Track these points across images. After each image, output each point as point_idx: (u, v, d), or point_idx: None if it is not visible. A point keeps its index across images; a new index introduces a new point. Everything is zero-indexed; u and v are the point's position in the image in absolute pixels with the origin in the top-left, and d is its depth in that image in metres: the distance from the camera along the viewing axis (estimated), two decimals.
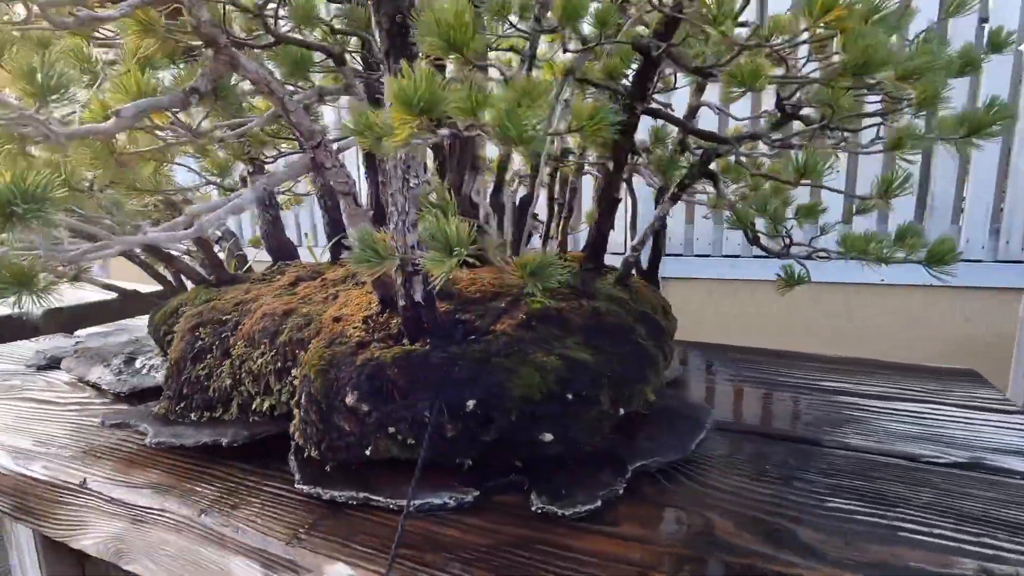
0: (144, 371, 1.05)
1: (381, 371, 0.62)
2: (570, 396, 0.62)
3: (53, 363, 1.22)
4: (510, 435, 0.62)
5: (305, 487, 0.64)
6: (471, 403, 0.60)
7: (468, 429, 0.61)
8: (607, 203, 0.73)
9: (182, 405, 0.82)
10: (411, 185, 0.60)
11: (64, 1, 0.47)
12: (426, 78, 0.41)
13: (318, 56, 0.75)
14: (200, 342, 0.83)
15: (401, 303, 0.65)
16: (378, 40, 0.58)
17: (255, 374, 0.78)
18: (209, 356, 0.82)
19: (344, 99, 0.83)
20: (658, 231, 0.96)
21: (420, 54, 0.57)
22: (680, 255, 2.29)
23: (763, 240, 0.78)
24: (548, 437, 0.62)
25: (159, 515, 0.67)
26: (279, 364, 0.76)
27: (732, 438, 0.79)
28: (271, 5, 0.67)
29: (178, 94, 0.52)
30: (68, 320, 1.65)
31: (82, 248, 0.49)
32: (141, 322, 1.63)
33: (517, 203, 0.91)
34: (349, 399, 0.61)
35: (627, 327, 0.73)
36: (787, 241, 0.77)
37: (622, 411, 0.67)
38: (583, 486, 0.62)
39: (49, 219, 0.41)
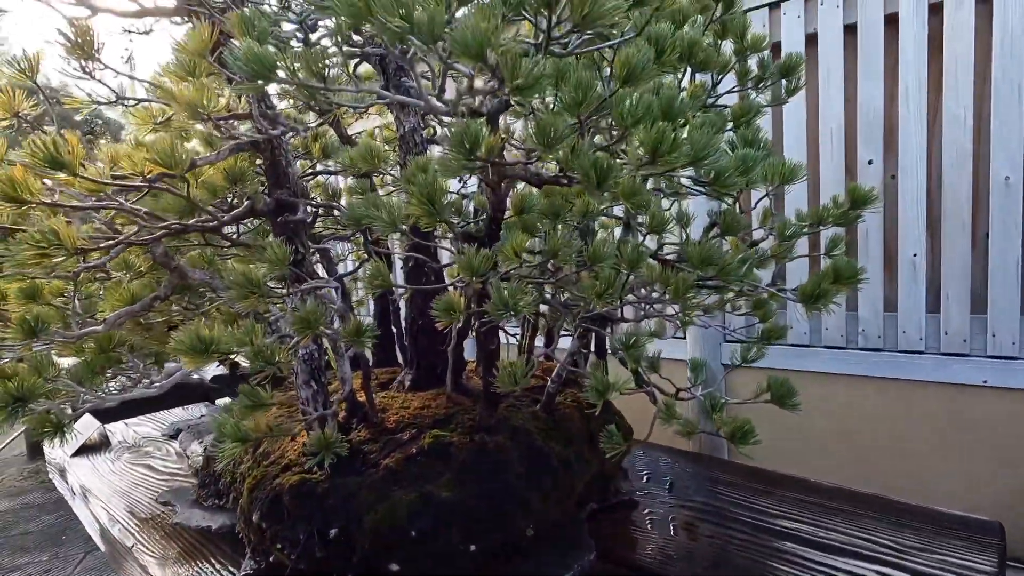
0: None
1: (280, 496, 0.80)
2: (414, 532, 0.74)
3: (176, 433, 1.64)
4: (366, 561, 0.75)
5: (235, 570, 0.84)
6: (333, 531, 0.75)
7: (334, 552, 0.76)
8: (486, 358, 0.84)
9: (205, 492, 1.08)
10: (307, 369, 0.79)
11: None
12: None
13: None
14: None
15: (307, 441, 0.83)
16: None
17: (242, 475, 1.01)
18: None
19: None
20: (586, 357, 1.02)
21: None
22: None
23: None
24: (395, 567, 0.74)
25: None
26: (255, 471, 0.98)
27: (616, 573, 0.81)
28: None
29: (146, 301, 0.78)
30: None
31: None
32: None
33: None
34: (255, 517, 0.80)
35: (503, 464, 0.82)
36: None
37: (473, 547, 0.76)
38: None
39: None
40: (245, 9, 0.52)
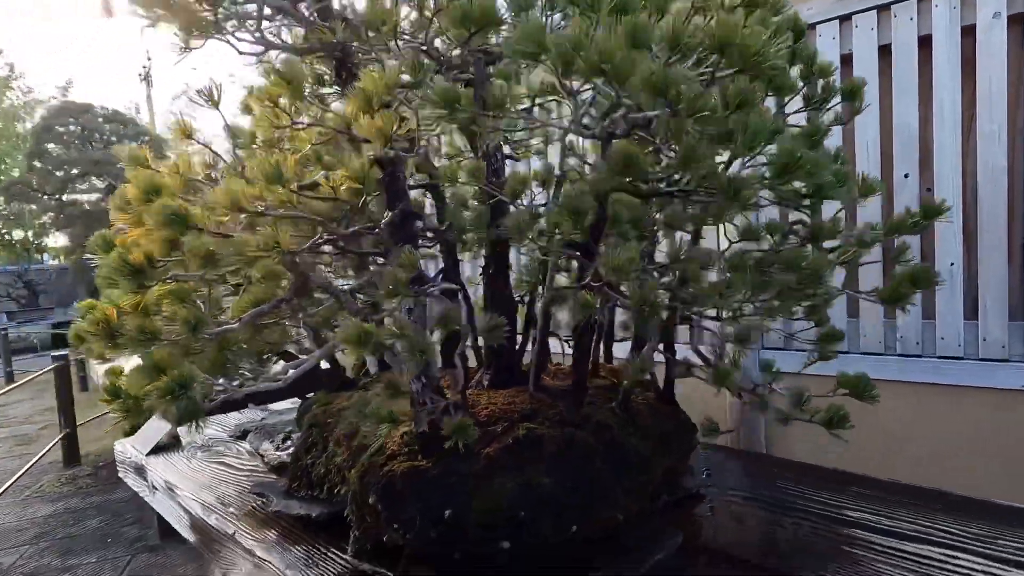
0: (289, 449, 1.45)
1: (393, 482, 0.87)
2: (522, 513, 0.81)
3: (243, 434, 1.72)
4: (477, 540, 0.82)
5: (351, 558, 0.91)
6: (447, 512, 0.82)
7: (447, 532, 0.83)
8: (581, 355, 0.91)
9: (296, 484, 1.16)
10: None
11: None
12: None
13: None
14: (311, 438, 1.18)
15: (419, 430, 0.91)
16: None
17: (337, 467, 1.09)
18: (315, 449, 1.16)
19: None
20: (670, 358, 1.09)
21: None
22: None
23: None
24: (505, 545, 0.81)
25: (267, 564, 0.99)
26: (351, 462, 1.06)
27: (694, 561, 0.88)
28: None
29: (275, 303, 0.87)
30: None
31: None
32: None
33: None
34: (371, 499, 0.87)
35: (592, 455, 0.89)
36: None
37: (574, 528, 0.83)
38: None
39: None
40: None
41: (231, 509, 1.19)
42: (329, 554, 0.97)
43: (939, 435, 1.75)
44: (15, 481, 3.17)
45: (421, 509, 0.84)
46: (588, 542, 0.86)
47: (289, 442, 1.51)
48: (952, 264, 1.70)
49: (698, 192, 0.57)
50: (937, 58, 1.68)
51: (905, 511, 1.01)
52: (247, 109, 0.99)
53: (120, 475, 1.76)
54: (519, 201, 0.93)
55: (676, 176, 0.58)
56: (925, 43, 1.72)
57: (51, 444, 3.87)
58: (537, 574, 0.82)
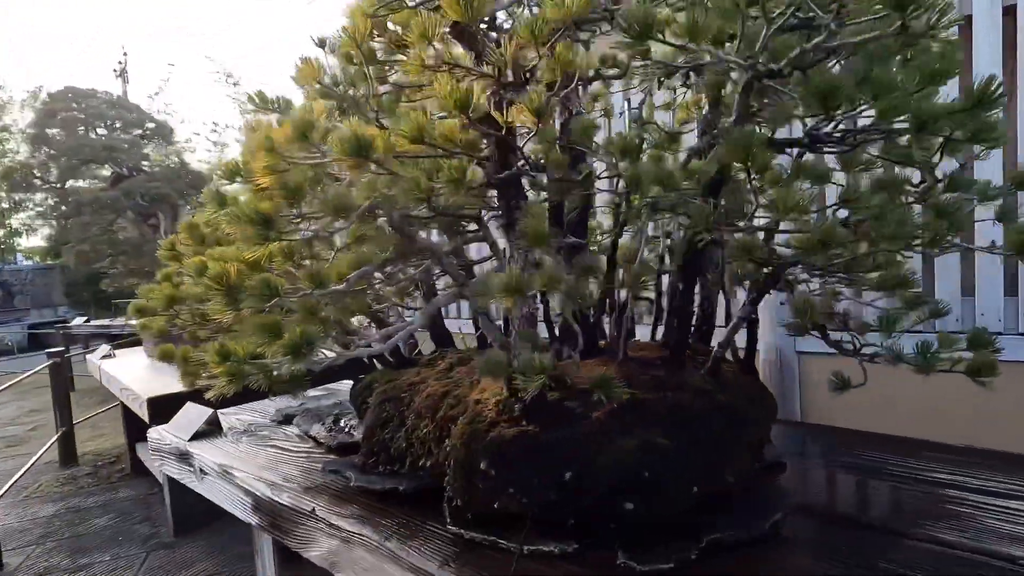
0: (346, 430, 1.42)
1: (502, 447, 0.85)
2: (646, 474, 0.80)
3: (286, 420, 1.68)
4: (600, 502, 0.81)
5: (452, 527, 0.89)
6: (568, 475, 0.81)
7: (567, 495, 0.81)
8: (680, 316, 0.91)
9: (373, 460, 1.13)
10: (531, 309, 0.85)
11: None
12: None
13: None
14: (385, 414, 1.16)
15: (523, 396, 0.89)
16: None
17: (421, 440, 1.06)
18: (391, 424, 1.13)
19: None
20: (752, 323, 1.09)
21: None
22: None
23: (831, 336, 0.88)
24: (629, 506, 0.80)
25: (359, 538, 0.96)
26: (437, 434, 1.04)
27: (810, 522, 0.88)
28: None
29: (380, 263, 0.84)
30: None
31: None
32: (342, 387, 2.10)
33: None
34: (483, 465, 0.85)
35: (703, 417, 0.88)
36: (858, 344, 0.87)
37: (695, 489, 0.82)
38: (661, 549, 0.78)
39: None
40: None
41: (302, 487, 1.16)
42: (427, 526, 0.94)
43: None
44: (16, 481, 3.06)
45: (539, 472, 0.83)
46: (702, 504, 0.85)
47: (342, 423, 1.48)
48: (992, 241, 1.74)
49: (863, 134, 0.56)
50: (977, 37, 1.71)
51: (990, 472, 1.02)
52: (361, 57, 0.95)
53: (154, 464, 1.71)
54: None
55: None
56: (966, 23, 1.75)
57: (51, 442, 3.74)
58: (667, 535, 0.81)
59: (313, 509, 1.07)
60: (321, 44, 0.74)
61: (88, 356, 4.03)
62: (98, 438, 4.69)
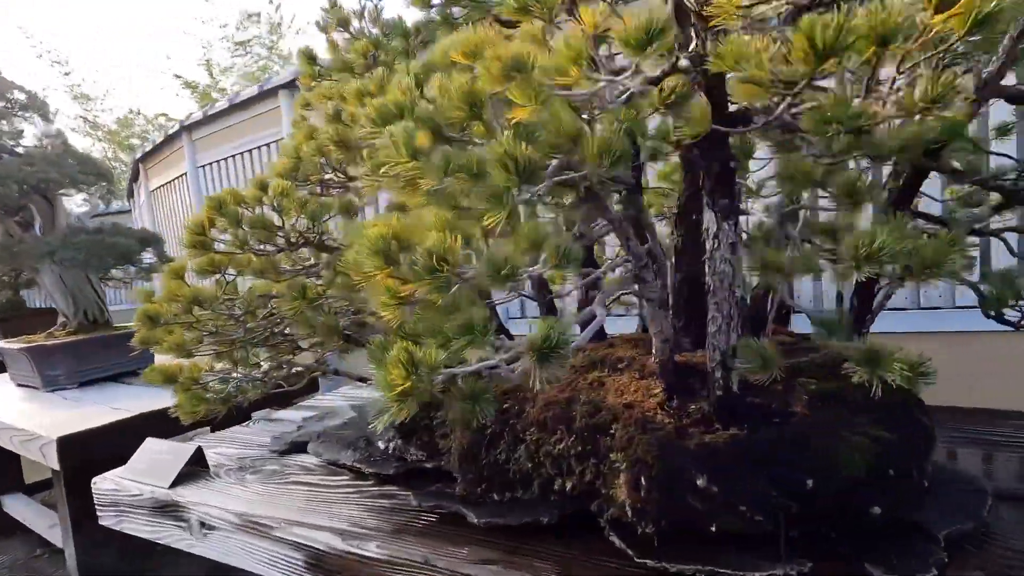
0: (398, 454, 1.18)
1: (717, 455, 0.71)
2: (891, 471, 0.70)
3: (294, 448, 1.37)
4: (837, 509, 0.70)
5: (648, 561, 0.73)
6: (810, 482, 0.69)
7: (807, 504, 0.69)
8: (862, 297, 0.84)
9: (483, 487, 0.93)
10: (737, 297, 0.72)
11: None
12: None
13: None
14: (489, 430, 0.96)
15: (718, 393, 0.76)
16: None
17: (555, 457, 0.89)
18: (503, 442, 0.94)
19: None
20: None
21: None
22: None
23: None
24: (877, 510, 0.70)
25: None
26: (579, 448, 0.87)
27: (1014, 504, 0.84)
28: None
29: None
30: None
31: None
32: (321, 403, 1.79)
33: None
34: (700, 481, 0.71)
35: (907, 405, 0.81)
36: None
37: (926, 483, 0.74)
38: (907, 555, 0.69)
39: None
40: None
41: (388, 530, 0.92)
42: (603, 562, 0.77)
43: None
44: None
45: (771, 483, 0.70)
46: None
47: (381, 445, 1.23)
48: None
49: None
50: None
51: None
52: None
53: (110, 522, 1.31)
54: None
55: None
56: None
57: None
58: (897, 537, 0.72)
59: (426, 559, 0.84)
60: None
61: None
62: None
